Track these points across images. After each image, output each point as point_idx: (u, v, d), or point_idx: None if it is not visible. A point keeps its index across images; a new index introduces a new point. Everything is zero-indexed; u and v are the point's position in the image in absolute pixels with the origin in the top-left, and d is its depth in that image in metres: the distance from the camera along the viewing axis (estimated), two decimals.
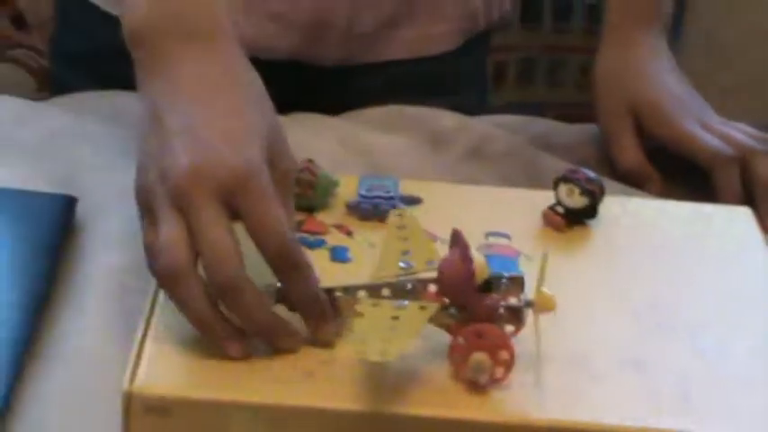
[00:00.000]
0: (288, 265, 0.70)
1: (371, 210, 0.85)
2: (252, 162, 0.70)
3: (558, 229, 0.86)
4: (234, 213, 0.70)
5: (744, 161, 1.00)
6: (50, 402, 0.73)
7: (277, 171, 0.72)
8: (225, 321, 0.69)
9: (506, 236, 0.84)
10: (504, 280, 0.72)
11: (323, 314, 0.71)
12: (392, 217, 0.79)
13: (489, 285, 0.71)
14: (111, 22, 0.82)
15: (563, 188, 0.87)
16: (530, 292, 0.72)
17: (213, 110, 0.73)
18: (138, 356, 0.69)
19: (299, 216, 0.82)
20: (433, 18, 1.15)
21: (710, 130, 1.02)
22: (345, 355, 0.70)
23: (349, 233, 0.83)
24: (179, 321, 0.71)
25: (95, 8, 1.10)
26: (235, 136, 0.72)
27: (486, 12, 1.18)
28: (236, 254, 0.68)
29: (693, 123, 1.02)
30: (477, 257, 0.70)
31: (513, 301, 0.71)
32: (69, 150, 0.96)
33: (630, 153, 1.03)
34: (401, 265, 0.74)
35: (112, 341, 0.76)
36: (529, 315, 0.71)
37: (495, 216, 0.86)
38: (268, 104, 0.76)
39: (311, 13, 1.09)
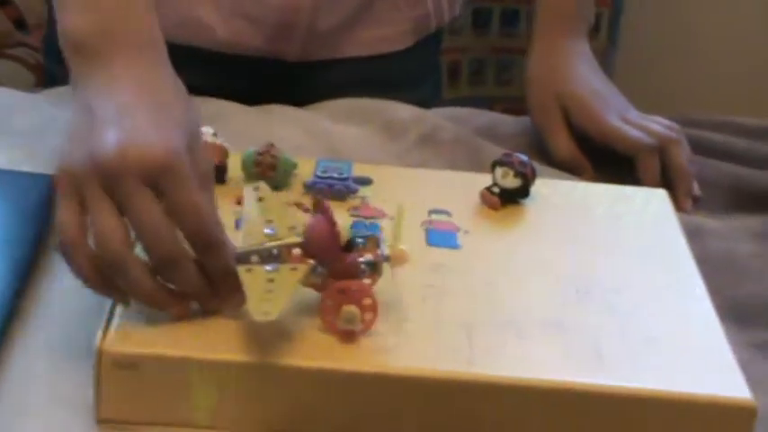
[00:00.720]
0: (203, 244, 0.69)
1: (326, 189, 0.85)
2: (175, 148, 0.69)
3: (493, 207, 0.87)
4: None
5: (661, 149, 1.01)
6: (36, 356, 0.73)
7: (196, 160, 0.71)
8: (165, 290, 0.69)
9: (447, 213, 0.85)
10: (361, 239, 0.72)
11: (232, 286, 0.70)
12: (250, 191, 0.77)
13: (350, 246, 0.71)
14: None
15: (499, 170, 0.87)
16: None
17: (141, 104, 0.72)
18: (109, 317, 0.70)
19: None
20: (388, 20, 1.15)
21: (630, 122, 1.03)
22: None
23: (306, 210, 0.83)
24: None
25: None
26: (159, 125, 0.71)
27: (436, 15, 1.18)
28: (169, 230, 0.68)
29: (615, 117, 1.03)
30: (340, 221, 0.71)
31: (370, 257, 0.72)
32: (59, 137, 0.95)
33: (564, 145, 1.04)
34: (266, 231, 0.73)
35: (91, 302, 0.76)
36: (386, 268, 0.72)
37: (437, 195, 0.87)
38: (189, 104, 0.76)
39: (278, 13, 1.09)
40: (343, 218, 0.72)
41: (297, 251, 0.71)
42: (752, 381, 0.70)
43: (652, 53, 1.81)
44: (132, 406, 0.68)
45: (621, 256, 0.82)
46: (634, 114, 1.04)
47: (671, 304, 0.77)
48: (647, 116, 1.04)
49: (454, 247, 0.81)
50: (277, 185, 0.84)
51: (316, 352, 0.69)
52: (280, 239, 0.72)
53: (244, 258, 0.71)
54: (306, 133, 1.01)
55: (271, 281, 0.69)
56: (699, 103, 1.74)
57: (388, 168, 0.93)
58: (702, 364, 0.72)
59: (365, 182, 0.87)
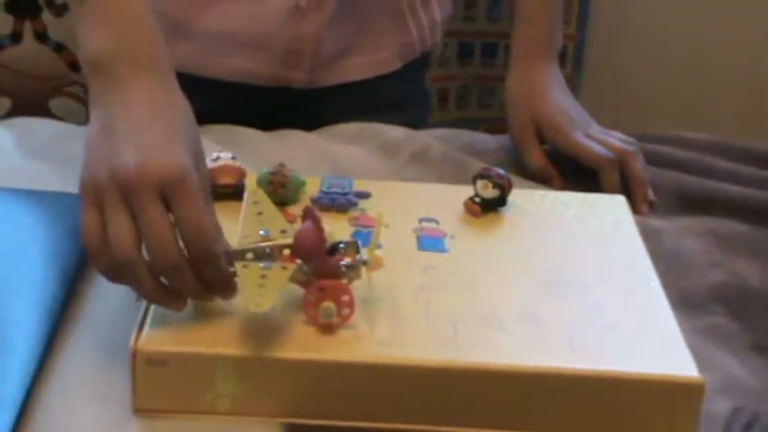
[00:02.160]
0: (201, 256, 0.66)
1: (330, 203, 0.82)
2: (187, 166, 0.67)
3: (475, 215, 0.84)
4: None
5: (620, 161, 0.98)
6: (82, 355, 0.71)
7: (199, 174, 0.69)
8: (166, 290, 0.67)
9: (435, 221, 0.82)
10: (342, 245, 0.70)
11: (229, 288, 0.68)
12: (248, 195, 0.75)
13: (334, 249, 0.70)
14: None
15: (479, 183, 0.85)
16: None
17: (155, 122, 0.69)
18: (143, 321, 0.68)
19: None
20: (378, 46, 1.13)
21: (593, 138, 1.00)
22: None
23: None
24: None
25: None
26: (172, 143, 0.68)
27: (420, 41, 1.16)
28: (175, 243, 0.66)
29: (581, 134, 1.01)
30: (326, 228, 0.69)
31: (349, 260, 0.70)
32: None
33: (536, 158, 1.01)
34: (260, 233, 0.71)
35: (130, 309, 0.73)
36: (363, 271, 0.70)
37: (427, 206, 0.84)
38: (193, 121, 0.73)
39: (286, 41, 1.06)
40: (339, 226, 0.70)
41: (287, 252, 0.69)
42: (699, 360, 0.68)
43: (612, 78, 1.81)
44: (163, 397, 0.66)
45: (587, 255, 0.80)
46: (597, 130, 1.02)
47: (630, 296, 0.75)
48: (608, 132, 1.02)
49: (442, 250, 0.79)
50: (287, 200, 0.82)
51: (302, 344, 0.67)
52: (272, 240, 0.70)
53: (240, 255, 0.68)
54: (313, 154, 0.99)
55: (264, 276, 0.67)
56: (654, 121, 1.73)
57: (385, 183, 0.90)
58: (658, 348, 0.70)
59: (364, 195, 0.85)
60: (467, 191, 0.85)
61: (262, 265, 0.68)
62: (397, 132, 1.05)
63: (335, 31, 1.08)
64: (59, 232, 0.80)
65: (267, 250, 0.69)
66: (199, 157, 0.70)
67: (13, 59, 1.40)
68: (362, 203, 0.84)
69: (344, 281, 0.69)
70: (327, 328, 0.67)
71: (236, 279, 0.68)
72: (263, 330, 0.67)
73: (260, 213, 0.73)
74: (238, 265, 0.68)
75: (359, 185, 0.86)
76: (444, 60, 1.52)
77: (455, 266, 0.76)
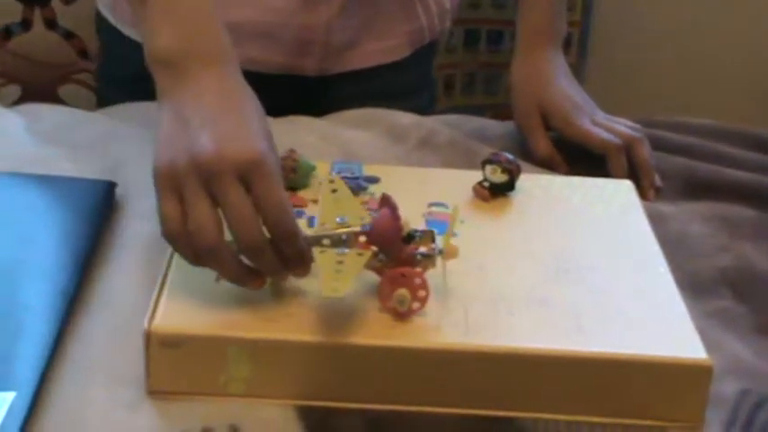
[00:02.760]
0: (283, 234, 0.67)
1: None
2: (264, 150, 0.68)
3: (484, 199, 0.84)
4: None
5: (627, 147, 0.98)
6: (96, 337, 0.71)
7: (274, 155, 0.69)
8: (247, 270, 0.68)
9: (444, 205, 0.82)
10: (419, 233, 0.70)
11: (306, 266, 0.69)
12: (326, 183, 0.76)
13: (410, 237, 0.69)
14: (143, 49, 0.79)
15: (488, 168, 0.85)
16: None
17: (228, 111, 0.71)
18: (156, 303, 0.68)
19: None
20: (388, 33, 1.13)
21: (599, 125, 1.00)
22: (308, 298, 0.69)
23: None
24: (188, 276, 0.69)
25: (130, 40, 1.07)
26: (249, 130, 0.69)
27: (429, 28, 1.16)
28: (257, 223, 0.66)
29: (587, 121, 1.01)
30: (403, 216, 0.69)
31: (425, 249, 0.70)
32: (112, 148, 0.94)
33: (543, 145, 1.01)
34: (337, 220, 0.71)
35: (143, 291, 0.74)
36: (438, 260, 0.70)
37: (436, 190, 0.84)
38: (262, 111, 0.74)
39: (297, 31, 1.07)
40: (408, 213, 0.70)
41: (363, 239, 0.69)
42: (707, 343, 0.69)
43: (617, 64, 1.81)
44: (177, 379, 0.66)
45: (595, 239, 0.80)
46: (602, 117, 1.02)
47: (638, 279, 0.75)
48: (614, 118, 1.02)
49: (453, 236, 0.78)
50: (297, 185, 0.82)
51: (314, 327, 0.67)
52: (349, 227, 0.70)
53: (317, 241, 0.69)
54: (323, 139, 0.99)
55: (340, 262, 0.67)
56: (658, 107, 1.73)
57: (394, 168, 0.90)
58: (666, 330, 0.70)
59: (374, 180, 0.85)
60: (476, 176, 0.85)
61: (337, 251, 0.68)
62: (404, 118, 1.05)
63: (345, 19, 1.08)
64: (72, 216, 0.81)
65: (344, 237, 0.69)
66: (272, 142, 0.71)
67: (22, 47, 1.40)
68: (372, 188, 0.84)
69: (419, 269, 0.69)
70: (401, 316, 0.67)
71: (313, 264, 0.68)
72: (275, 314, 0.67)
73: (338, 200, 0.73)
74: (315, 251, 0.68)
75: (368, 170, 0.86)
76: (450, 48, 1.53)
77: (465, 251, 0.76)
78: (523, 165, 0.90)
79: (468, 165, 0.95)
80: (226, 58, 0.75)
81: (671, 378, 0.67)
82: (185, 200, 0.67)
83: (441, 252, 0.70)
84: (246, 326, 0.67)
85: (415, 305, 0.68)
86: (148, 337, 0.66)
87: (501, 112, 1.25)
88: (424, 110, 1.13)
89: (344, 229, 0.70)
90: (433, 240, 0.70)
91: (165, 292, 0.69)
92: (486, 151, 0.93)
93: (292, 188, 0.82)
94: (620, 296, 0.73)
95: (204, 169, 0.66)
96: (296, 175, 0.82)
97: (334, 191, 0.74)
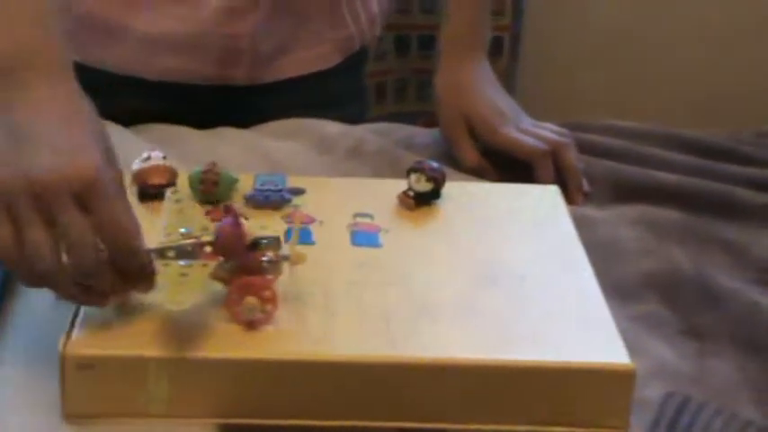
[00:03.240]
0: (122, 254, 0.65)
1: (263, 200, 0.82)
2: (99, 165, 0.66)
3: (409, 208, 0.84)
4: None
5: (554, 153, 0.99)
6: (11, 362, 0.69)
7: (113, 169, 0.68)
8: (88, 290, 0.66)
9: (370, 215, 0.82)
10: (264, 240, 0.70)
11: (149, 281, 0.67)
12: (169, 193, 0.75)
13: (255, 245, 0.69)
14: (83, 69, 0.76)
15: (413, 176, 0.85)
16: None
17: (63, 123, 0.68)
18: (72, 324, 0.67)
19: (207, 207, 0.79)
20: (318, 41, 1.12)
21: (526, 132, 1.01)
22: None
23: (246, 219, 0.79)
24: None
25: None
26: (84, 144, 0.67)
27: (359, 35, 1.15)
28: (91, 247, 0.64)
29: (513, 129, 1.01)
30: (245, 224, 0.69)
31: (272, 256, 0.70)
32: None
33: (469, 155, 1.01)
34: (181, 231, 0.70)
35: (56, 313, 0.72)
36: (286, 267, 0.70)
37: (361, 201, 0.84)
38: (99, 120, 0.71)
39: (223, 40, 1.05)
40: (273, 223, 0.71)
41: (208, 249, 0.68)
42: (632, 347, 0.69)
43: (550, 67, 1.82)
44: (95, 402, 0.65)
45: (522, 246, 0.80)
46: (528, 123, 1.02)
47: (564, 285, 0.75)
48: (540, 124, 1.02)
49: (376, 245, 0.78)
50: (220, 199, 0.81)
51: (230, 343, 0.66)
52: (194, 238, 0.69)
53: (161, 253, 0.68)
54: (248, 151, 0.98)
55: (184, 275, 0.66)
56: (592, 110, 1.74)
57: (319, 179, 0.90)
58: (590, 336, 0.70)
59: (298, 192, 0.84)
60: (401, 185, 0.85)
61: (183, 263, 0.67)
62: (332, 127, 1.04)
63: (272, 28, 1.07)
64: None
65: (188, 248, 0.68)
66: (110, 152, 0.69)
67: None
68: (296, 200, 0.83)
69: (269, 277, 0.69)
70: (251, 325, 0.67)
71: (157, 277, 0.67)
72: (191, 331, 0.67)
73: (181, 211, 0.72)
74: (159, 264, 0.67)
75: (293, 182, 0.85)
76: (381, 54, 1.52)
77: (389, 261, 0.76)
78: (452, 172, 0.90)
79: (396, 174, 0.94)
80: (60, 64, 0.71)
81: (595, 384, 0.67)
82: (18, 222, 0.64)
83: (287, 258, 0.70)
84: (163, 344, 0.66)
85: (267, 308, 0.67)
86: (64, 360, 0.64)
87: (434, 118, 1.25)
88: (357, 118, 1.13)
89: (189, 240, 0.69)
90: (279, 247, 0.70)
91: (81, 313, 0.67)
92: (413, 159, 0.92)
93: (215, 202, 0.81)
94: (546, 303, 0.73)
95: (37, 190, 0.64)
96: (217, 189, 0.81)
97: (177, 201, 0.73)
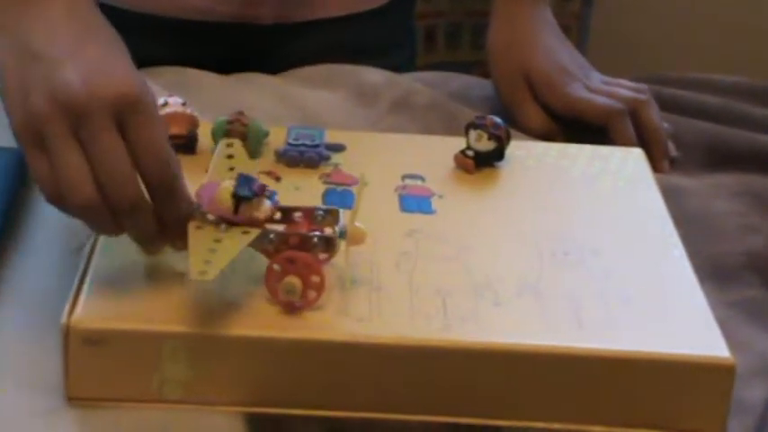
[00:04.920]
0: (165, 191, 0.66)
1: (298, 156, 0.83)
2: (140, 82, 0.66)
3: (468, 170, 0.84)
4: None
5: (632, 112, 0.98)
6: (6, 336, 0.70)
7: (149, 91, 0.67)
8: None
9: (421, 177, 0.83)
10: (320, 212, 0.70)
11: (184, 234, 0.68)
12: (222, 146, 0.75)
13: (239, 199, 0.68)
14: None
15: (472, 133, 0.85)
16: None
17: (89, 42, 0.68)
18: (77, 293, 0.68)
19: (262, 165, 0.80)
20: None
21: (597, 91, 1.00)
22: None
23: (278, 178, 0.81)
24: (115, 261, 0.69)
25: None
26: (118, 60, 0.67)
27: None
28: (134, 175, 0.65)
29: (581, 88, 1.00)
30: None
31: (327, 231, 0.70)
32: None
33: (534, 118, 1.01)
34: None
35: (62, 280, 0.73)
36: (342, 245, 0.70)
37: (411, 160, 0.85)
38: (124, 44, 0.71)
39: None
40: (309, 183, 0.72)
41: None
42: (730, 339, 0.69)
43: (627, 11, 1.81)
44: (103, 383, 0.66)
45: (598, 217, 0.81)
46: (598, 80, 1.02)
47: (649, 265, 0.76)
48: (613, 80, 1.02)
49: (428, 212, 0.79)
50: (249, 154, 0.82)
51: (265, 321, 0.67)
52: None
53: (204, 213, 0.68)
54: (277, 100, 0.99)
55: (217, 241, 0.66)
56: (674, 61, 1.73)
57: (362, 134, 0.91)
58: (682, 324, 0.70)
59: (338, 148, 0.85)
60: (458, 143, 0.86)
61: (221, 227, 0.67)
62: (375, 75, 1.04)
63: None
64: None
65: (270, 235, 0.68)
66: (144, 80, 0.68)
67: None
68: (336, 157, 0.84)
69: (322, 257, 0.69)
70: (288, 307, 0.67)
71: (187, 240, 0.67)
72: (219, 305, 0.67)
73: (232, 168, 0.72)
74: (191, 227, 0.67)
75: (331, 137, 0.86)
76: None
77: (443, 231, 0.77)
78: (514, 132, 0.90)
79: (451, 131, 0.95)
80: None
81: (686, 380, 0.67)
82: (50, 150, 0.64)
83: (343, 235, 0.69)
84: (184, 319, 0.66)
85: (310, 295, 0.67)
86: (68, 334, 0.65)
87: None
88: (403, 69, 1.13)
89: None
90: (337, 221, 0.70)
91: (88, 280, 0.68)
92: (471, 114, 0.93)
93: None
94: (627, 284, 0.73)
95: (70, 109, 0.64)
96: (246, 142, 0.81)
97: (230, 156, 0.74)
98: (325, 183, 0.81)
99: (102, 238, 0.71)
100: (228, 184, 0.68)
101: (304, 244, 0.69)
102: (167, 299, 0.68)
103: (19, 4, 0.70)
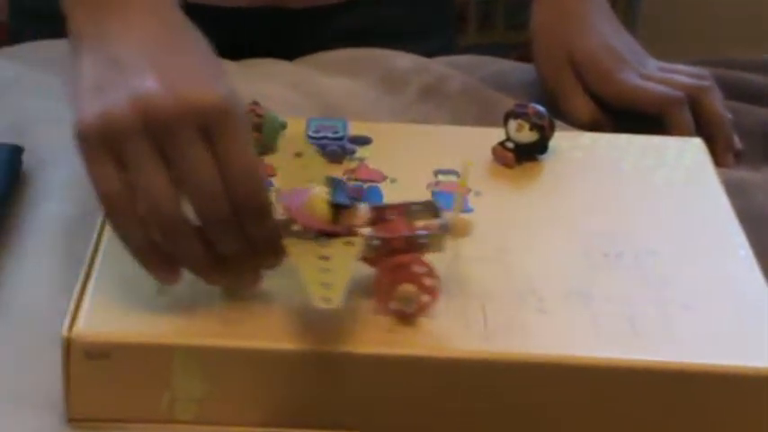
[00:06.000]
0: (254, 209, 0.66)
1: (319, 151, 0.83)
2: (230, 95, 0.66)
3: (508, 164, 0.85)
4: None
5: (691, 100, 0.98)
6: (2, 353, 0.71)
7: (240, 105, 0.68)
8: (215, 260, 0.67)
9: (455, 173, 0.83)
10: (416, 206, 0.71)
11: (278, 254, 0.68)
12: (286, 144, 0.75)
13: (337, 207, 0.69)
14: None
15: (512, 123, 0.85)
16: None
17: (174, 50, 0.69)
18: (78, 302, 0.68)
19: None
20: None
21: (651, 78, 1.00)
22: (277, 296, 0.69)
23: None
24: (120, 268, 0.69)
25: None
26: (206, 70, 0.68)
27: None
28: (225, 194, 0.65)
29: (634, 75, 1.01)
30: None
31: (431, 227, 0.70)
32: (18, 100, 0.94)
33: (582, 108, 1.02)
34: None
35: (56, 288, 0.74)
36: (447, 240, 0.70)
37: (444, 154, 0.85)
38: (213, 51, 0.72)
39: None
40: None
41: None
42: None
43: None
44: (107, 402, 0.67)
45: (654, 215, 0.81)
46: (654, 66, 1.02)
47: (711, 267, 0.76)
48: (670, 66, 1.02)
49: (465, 210, 0.79)
50: (263, 148, 0.82)
51: (290, 331, 0.67)
52: None
53: (286, 226, 0.68)
54: (294, 89, 1.00)
55: (324, 258, 0.66)
56: (733, 43, 1.72)
57: (389, 125, 0.91)
58: (749, 334, 0.70)
59: (363, 141, 0.85)
60: (496, 134, 0.86)
61: (319, 242, 0.67)
62: (403, 60, 1.05)
63: None
64: None
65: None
66: (235, 90, 0.69)
67: None
68: (361, 151, 0.84)
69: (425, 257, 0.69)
70: (403, 319, 0.68)
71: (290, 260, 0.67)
72: (235, 314, 0.68)
73: (306, 167, 0.73)
74: (289, 243, 0.67)
75: (355, 128, 0.86)
76: None
77: (481, 231, 0.76)
78: (558, 122, 0.90)
79: (487, 121, 0.95)
80: None
81: (756, 394, 0.68)
82: (128, 164, 0.65)
83: (446, 230, 0.70)
84: (198, 330, 0.67)
85: (424, 300, 0.68)
86: (69, 347, 0.66)
87: (528, 52, 1.25)
88: (440, 54, 1.13)
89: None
90: (437, 214, 0.71)
91: (90, 288, 0.69)
92: (510, 102, 0.93)
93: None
94: (688, 289, 0.73)
95: (154, 119, 0.64)
96: (260, 135, 0.82)
97: (298, 154, 0.74)
98: (350, 179, 0.81)
99: (105, 242, 0.72)
100: (320, 192, 0.68)
101: (409, 245, 0.69)
102: (178, 308, 0.68)
103: (101, 8, 0.71)
